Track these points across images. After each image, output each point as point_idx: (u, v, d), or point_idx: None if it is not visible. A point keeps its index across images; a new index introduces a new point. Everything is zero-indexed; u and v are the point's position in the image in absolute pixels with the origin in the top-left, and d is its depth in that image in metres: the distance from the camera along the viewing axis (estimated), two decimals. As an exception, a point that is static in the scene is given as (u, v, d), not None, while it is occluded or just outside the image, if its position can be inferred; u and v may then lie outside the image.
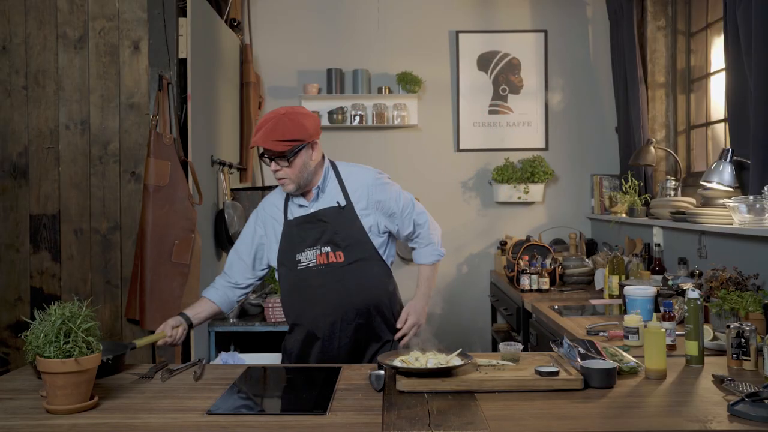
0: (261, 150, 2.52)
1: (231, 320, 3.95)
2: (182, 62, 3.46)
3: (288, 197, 2.57)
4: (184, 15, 3.45)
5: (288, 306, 2.59)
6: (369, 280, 2.53)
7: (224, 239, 4.03)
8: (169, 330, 2.44)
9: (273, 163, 2.43)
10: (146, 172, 3.25)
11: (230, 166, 4.30)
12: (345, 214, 2.50)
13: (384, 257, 2.57)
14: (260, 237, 2.60)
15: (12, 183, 3.38)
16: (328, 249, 2.48)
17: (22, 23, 3.37)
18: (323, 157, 2.54)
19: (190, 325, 2.52)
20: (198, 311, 2.55)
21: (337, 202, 2.51)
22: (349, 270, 2.49)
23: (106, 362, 2.07)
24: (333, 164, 2.58)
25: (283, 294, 2.60)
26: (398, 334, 2.57)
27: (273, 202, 2.62)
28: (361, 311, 2.50)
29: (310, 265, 2.49)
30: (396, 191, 2.59)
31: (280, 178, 2.45)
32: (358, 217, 2.51)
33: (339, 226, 2.49)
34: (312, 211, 2.51)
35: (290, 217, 2.54)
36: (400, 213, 2.58)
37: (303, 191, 2.51)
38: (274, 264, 2.59)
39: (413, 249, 2.71)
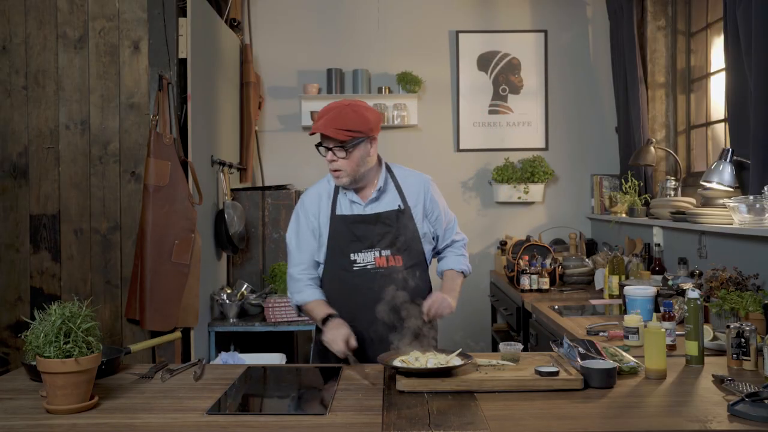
0: (317, 140, 2.40)
1: (231, 320, 3.94)
2: (182, 62, 3.46)
3: (337, 192, 2.49)
4: (184, 15, 3.45)
5: (336, 308, 2.44)
6: (422, 286, 2.49)
7: (224, 239, 4.03)
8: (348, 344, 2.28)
9: (329, 153, 2.37)
10: (146, 172, 3.25)
11: (230, 166, 4.30)
12: (404, 218, 2.47)
13: (429, 264, 2.56)
14: (315, 230, 2.49)
15: (12, 183, 3.38)
16: (388, 252, 2.44)
17: (22, 23, 3.37)
18: (379, 156, 2.50)
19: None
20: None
21: (398, 206, 2.48)
22: (408, 275, 2.44)
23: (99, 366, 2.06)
24: (387, 165, 2.54)
25: (329, 293, 2.49)
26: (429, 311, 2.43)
27: (320, 195, 2.51)
28: (417, 316, 2.42)
29: (368, 266, 2.43)
30: (444, 203, 2.59)
31: (335, 170, 2.39)
32: (415, 222, 2.49)
33: (400, 230, 2.45)
34: (370, 211, 2.46)
35: (340, 212, 2.47)
36: (445, 226, 2.57)
37: (356, 187, 2.46)
38: (321, 259, 2.49)
39: (443, 258, 2.65)
